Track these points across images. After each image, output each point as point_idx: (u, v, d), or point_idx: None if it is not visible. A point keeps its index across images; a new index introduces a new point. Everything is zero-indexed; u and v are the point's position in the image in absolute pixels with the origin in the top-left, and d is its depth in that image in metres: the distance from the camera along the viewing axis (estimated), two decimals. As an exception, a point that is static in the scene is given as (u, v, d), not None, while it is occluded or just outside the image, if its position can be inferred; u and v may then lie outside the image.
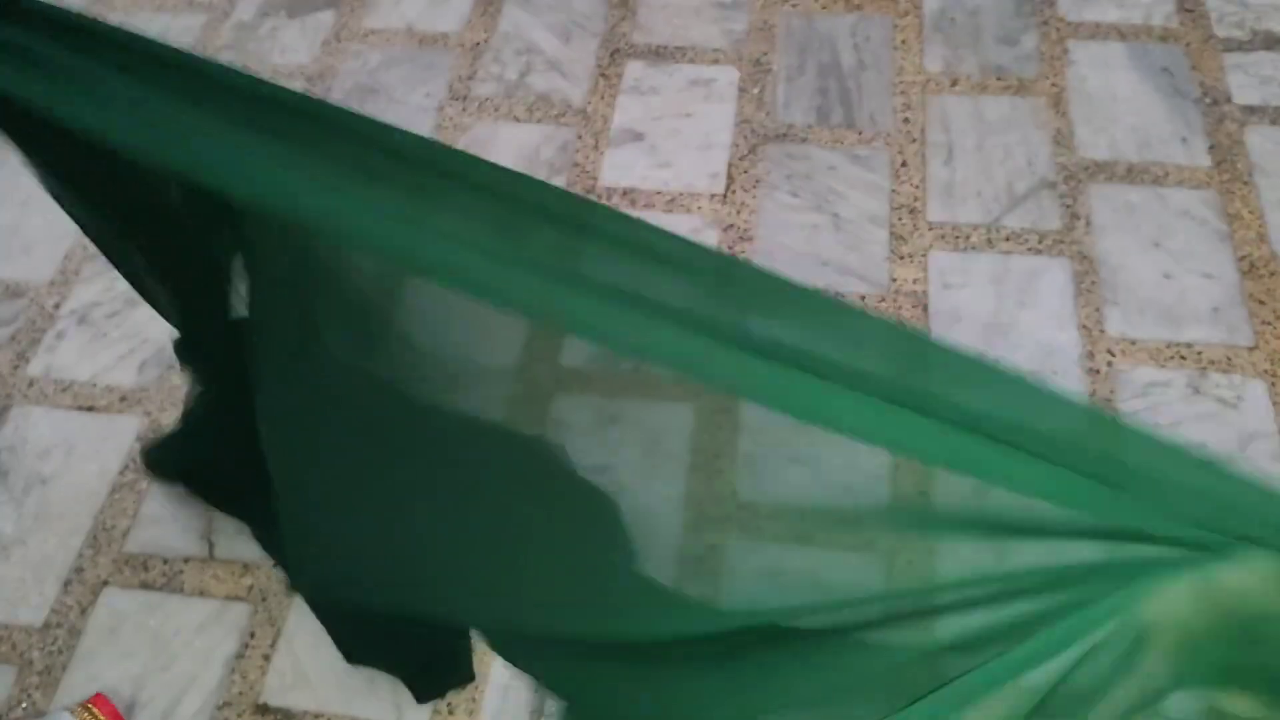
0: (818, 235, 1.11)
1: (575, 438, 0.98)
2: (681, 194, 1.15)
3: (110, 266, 1.11)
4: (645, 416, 0.99)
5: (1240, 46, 1.26)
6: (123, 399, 1.02)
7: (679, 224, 1.13)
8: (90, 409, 1.01)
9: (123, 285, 1.10)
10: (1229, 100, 1.21)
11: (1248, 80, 1.22)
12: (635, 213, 1.13)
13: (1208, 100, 1.21)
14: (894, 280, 1.07)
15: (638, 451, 0.97)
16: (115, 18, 1.37)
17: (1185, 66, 1.24)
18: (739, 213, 1.14)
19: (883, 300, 1.05)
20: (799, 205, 1.14)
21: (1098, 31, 1.28)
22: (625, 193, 1.16)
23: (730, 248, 1.10)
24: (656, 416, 0.99)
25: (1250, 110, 1.20)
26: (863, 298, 1.06)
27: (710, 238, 1.12)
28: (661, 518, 0.92)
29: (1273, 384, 0.98)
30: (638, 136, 1.20)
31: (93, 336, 1.07)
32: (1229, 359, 1.00)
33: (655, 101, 1.24)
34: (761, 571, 0.88)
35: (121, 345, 1.06)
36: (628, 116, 1.23)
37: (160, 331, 1.06)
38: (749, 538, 0.90)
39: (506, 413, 0.98)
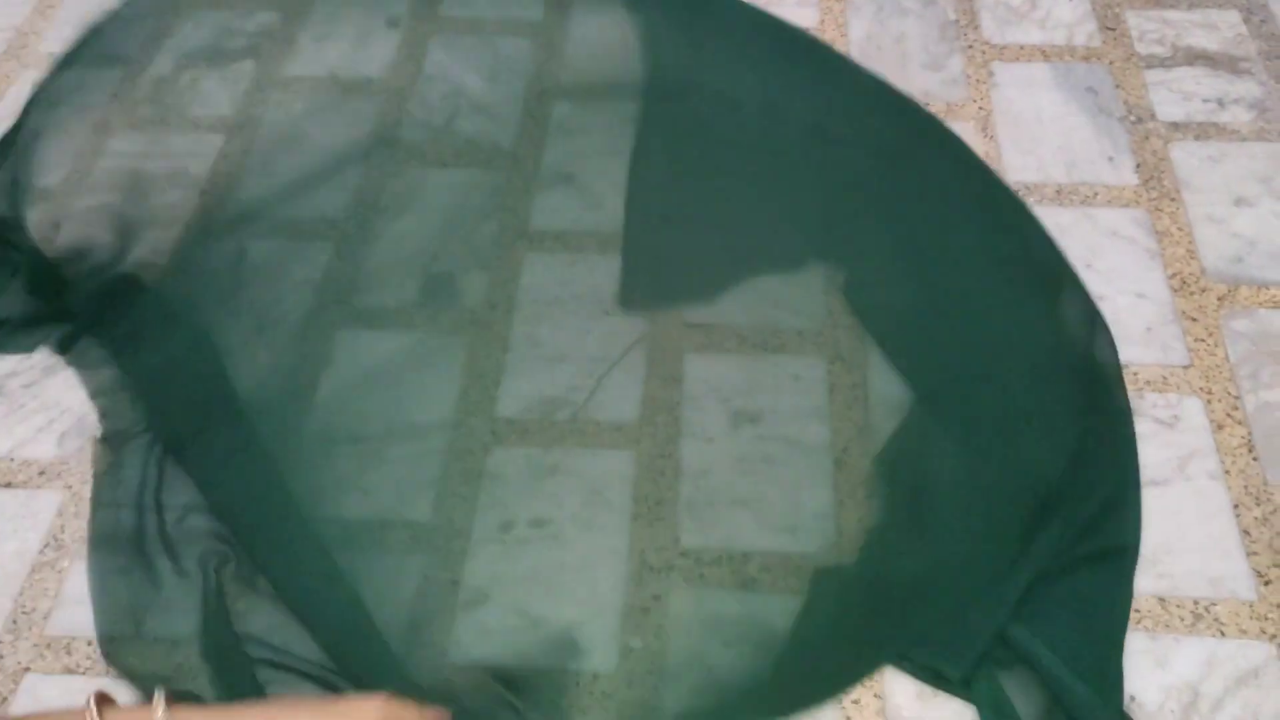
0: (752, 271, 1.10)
1: (513, 490, 0.96)
2: (615, 235, 1.14)
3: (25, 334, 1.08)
4: (585, 466, 0.98)
5: (1162, 63, 1.27)
6: (41, 473, 0.98)
7: (613, 266, 1.11)
8: (8, 485, 0.98)
9: (39, 354, 1.07)
10: (1153, 117, 1.22)
11: (1170, 96, 1.24)
12: (568, 255, 1.12)
13: (1132, 118, 1.22)
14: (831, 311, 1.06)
15: (578, 502, 0.95)
16: (29, 75, 1.34)
17: (1109, 85, 1.25)
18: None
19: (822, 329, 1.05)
20: (733, 240, 1.13)
21: (1021, 53, 1.29)
22: (558, 237, 1.14)
23: (665, 286, 1.09)
24: (597, 465, 0.98)
25: (1174, 126, 1.21)
26: (799, 333, 1.05)
27: (645, 277, 1.10)
28: (604, 570, 0.91)
29: (1208, 401, 0.98)
30: (568, 178, 1.19)
31: (9, 409, 1.03)
32: (1164, 378, 1.00)
33: (583, 141, 1.22)
34: (704, 621, 0.87)
35: (40, 417, 1.02)
36: (557, 157, 1.21)
37: (80, 401, 1.03)
38: (692, 586, 0.89)
39: (442, 467, 0.97)
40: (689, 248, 1.11)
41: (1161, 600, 0.88)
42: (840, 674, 0.84)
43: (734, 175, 1.16)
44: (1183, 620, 0.87)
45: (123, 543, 0.91)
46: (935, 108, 1.23)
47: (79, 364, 1.05)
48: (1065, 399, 0.95)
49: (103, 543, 0.92)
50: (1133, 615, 0.87)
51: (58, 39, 1.38)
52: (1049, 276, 1.05)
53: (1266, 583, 0.88)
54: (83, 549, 0.93)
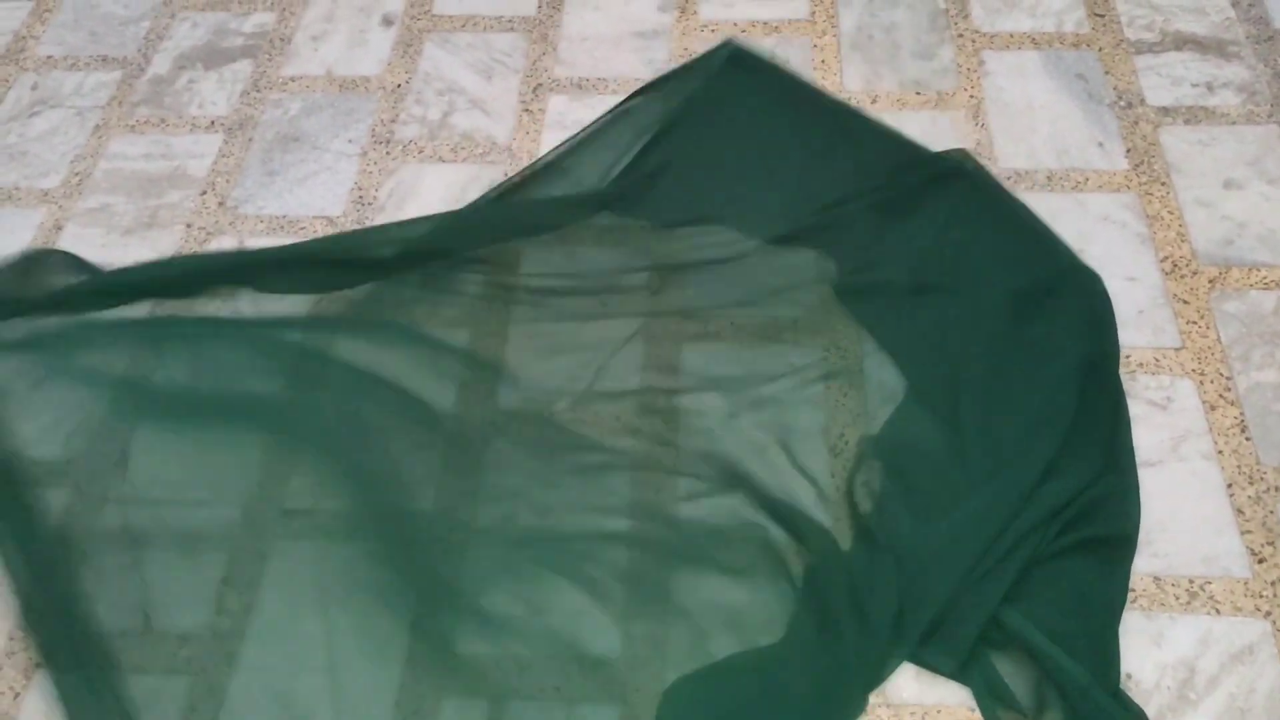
0: (744, 262, 1.11)
1: (513, 481, 0.97)
2: (610, 227, 1.15)
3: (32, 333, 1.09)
4: (583, 455, 0.99)
5: (1151, 48, 1.28)
6: (49, 473, 0.99)
7: (612, 258, 1.12)
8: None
9: (44, 354, 1.08)
10: (1143, 102, 1.23)
11: (1160, 81, 1.25)
12: (565, 248, 1.13)
13: (1122, 103, 1.23)
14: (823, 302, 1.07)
15: (578, 491, 0.96)
16: (27, 79, 1.35)
17: (1099, 71, 1.26)
18: (669, 244, 1.13)
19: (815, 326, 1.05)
20: (728, 231, 1.14)
21: (1011, 41, 1.30)
22: (554, 229, 1.15)
23: (663, 279, 1.10)
24: (595, 455, 0.99)
25: (1164, 111, 1.22)
26: (794, 322, 1.06)
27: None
28: (606, 557, 0.92)
29: (1200, 383, 0.99)
30: (564, 172, 1.20)
31: (15, 408, 1.04)
32: (1157, 360, 1.01)
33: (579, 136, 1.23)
34: (706, 607, 0.88)
35: (46, 416, 1.03)
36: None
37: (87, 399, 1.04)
38: (693, 572, 0.90)
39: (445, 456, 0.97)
40: (682, 181, 1.17)
41: (1157, 579, 0.89)
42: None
43: (752, 153, 1.19)
44: (1178, 599, 0.88)
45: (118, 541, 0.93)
46: (926, 97, 1.24)
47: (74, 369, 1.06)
48: (1065, 389, 0.96)
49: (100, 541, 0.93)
50: (1129, 595, 0.88)
51: (55, 42, 1.39)
52: (1049, 266, 1.06)
53: (1260, 560, 0.89)
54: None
